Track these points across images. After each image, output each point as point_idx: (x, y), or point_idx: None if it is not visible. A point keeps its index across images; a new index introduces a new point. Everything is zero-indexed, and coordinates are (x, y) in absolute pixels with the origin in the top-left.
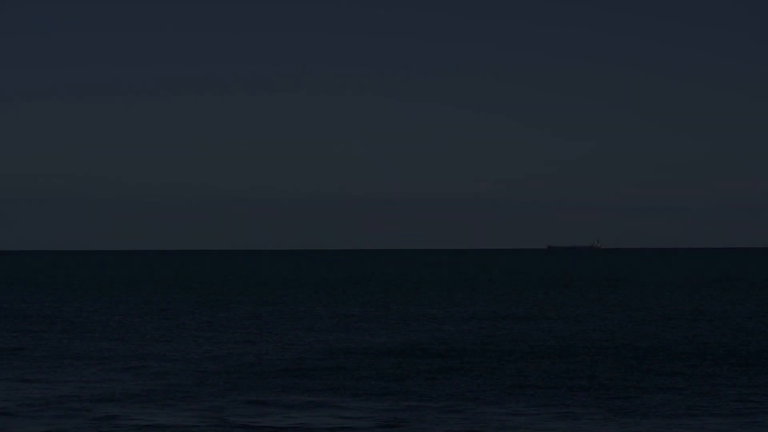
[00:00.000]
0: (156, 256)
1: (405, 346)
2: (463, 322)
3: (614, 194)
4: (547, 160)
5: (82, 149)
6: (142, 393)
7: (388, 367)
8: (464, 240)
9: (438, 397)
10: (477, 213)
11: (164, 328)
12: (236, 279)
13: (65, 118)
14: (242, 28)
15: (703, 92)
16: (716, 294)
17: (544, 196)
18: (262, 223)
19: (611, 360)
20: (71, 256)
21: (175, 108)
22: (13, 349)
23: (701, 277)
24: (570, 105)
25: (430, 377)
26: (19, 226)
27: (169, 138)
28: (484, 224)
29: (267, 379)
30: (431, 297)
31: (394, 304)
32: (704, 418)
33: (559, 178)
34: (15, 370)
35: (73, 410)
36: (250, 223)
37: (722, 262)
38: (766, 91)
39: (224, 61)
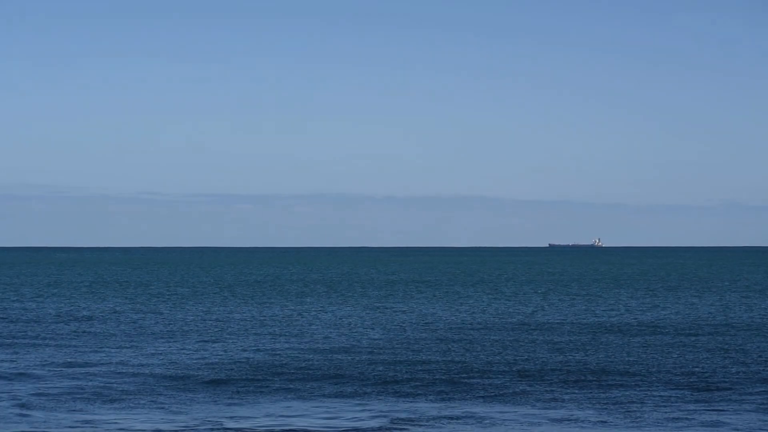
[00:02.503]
0: (149, 253)
1: (405, 345)
2: (463, 322)
3: (615, 193)
4: (549, 159)
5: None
6: (134, 396)
7: (386, 368)
8: (466, 238)
9: (438, 397)
10: (479, 211)
11: (154, 328)
12: (230, 277)
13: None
14: (237, 26)
15: (704, 92)
16: (715, 294)
17: (546, 195)
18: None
19: (610, 360)
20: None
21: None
22: (7, 345)
23: (706, 278)
24: (571, 104)
25: (430, 376)
26: (20, 223)
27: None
28: (486, 222)
29: (263, 379)
30: (430, 296)
31: (395, 303)
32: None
33: (560, 176)
34: (6, 368)
35: (61, 411)
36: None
37: (722, 261)
38: (767, 90)
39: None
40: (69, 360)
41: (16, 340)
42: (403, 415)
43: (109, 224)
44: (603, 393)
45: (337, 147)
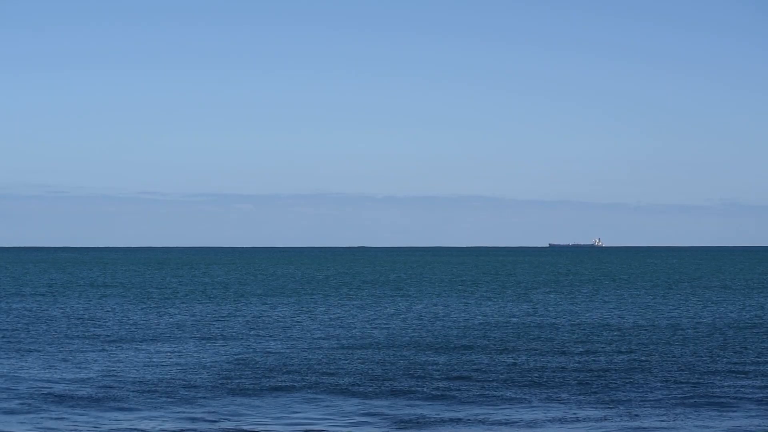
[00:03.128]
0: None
1: (406, 345)
2: (463, 321)
3: (615, 193)
4: (549, 159)
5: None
6: (135, 395)
7: (388, 367)
8: (466, 238)
9: (439, 396)
10: (479, 211)
11: (155, 328)
12: (230, 277)
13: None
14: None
15: (704, 92)
16: (715, 294)
17: (546, 195)
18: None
19: (608, 358)
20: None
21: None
22: (8, 345)
23: (707, 276)
24: (571, 104)
25: (432, 376)
26: (20, 223)
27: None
28: (486, 222)
29: (263, 378)
30: (430, 295)
31: (395, 302)
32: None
33: (560, 176)
34: (8, 368)
35: (62, 411)
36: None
37: (722, 261)
38: (767, 90)
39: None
40: (70, 360)
41: (16, 340)
42: (404, 415)
43: (109, 224)
44: (603, 392)
45: (337, 147)
